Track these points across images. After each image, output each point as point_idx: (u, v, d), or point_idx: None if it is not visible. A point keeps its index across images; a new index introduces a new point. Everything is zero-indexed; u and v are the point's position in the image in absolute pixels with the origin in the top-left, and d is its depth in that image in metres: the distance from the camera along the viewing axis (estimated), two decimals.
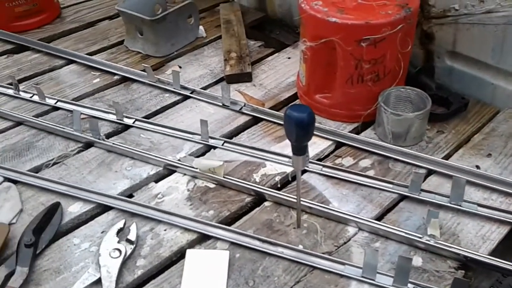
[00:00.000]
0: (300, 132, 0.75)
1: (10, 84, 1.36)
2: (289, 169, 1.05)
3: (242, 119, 1.22)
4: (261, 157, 1.09)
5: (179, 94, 1.32)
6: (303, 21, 1.11)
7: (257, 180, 1.03)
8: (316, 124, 1.15)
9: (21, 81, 1.38)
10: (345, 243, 0.88)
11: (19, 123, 1.22)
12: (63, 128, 1.17)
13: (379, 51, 1.05)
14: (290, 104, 0.98)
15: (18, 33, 1.61)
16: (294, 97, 1.30)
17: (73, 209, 0.97)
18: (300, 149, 0.79)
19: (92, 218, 0.96)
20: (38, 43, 1.56)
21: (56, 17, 1.74)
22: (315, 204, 0.94)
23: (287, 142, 1.12)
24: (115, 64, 1.43)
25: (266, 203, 0.98)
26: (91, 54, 1.52)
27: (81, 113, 1.17)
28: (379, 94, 1.10)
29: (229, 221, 0.95)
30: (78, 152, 1.13)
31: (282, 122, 1.16)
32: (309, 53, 1.12)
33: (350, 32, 1.02)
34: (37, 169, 1.08)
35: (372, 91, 1.11)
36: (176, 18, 1.49)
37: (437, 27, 1.22)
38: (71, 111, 1.25)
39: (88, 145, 1.15)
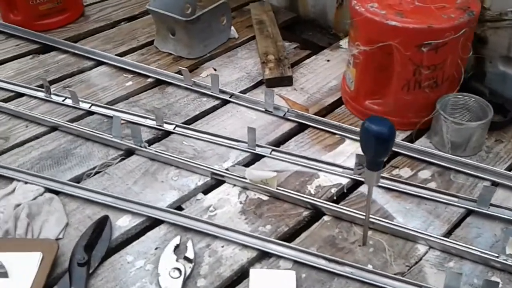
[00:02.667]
0: (379, 147, 0.70)
1: (40, 86, 1.31)
2: (344, 180, 1.00)
3: (287, 126, 1.17)
4: (313, 167, 1.04)
5: (218, 98, 1.27)
6: (356, 24, 1.06)
7: (312, 192, 0.98)
8: None
9: (49, 83, 1.32)
10: (416, 262, 0.84)
11: (53, 128, 1.17)
12: (102, 135, 1.12)
13: (440, 57, 1.00)
14: (368, 117, 0.92)
15: (42, 32, 1.55)
16: (339, 102, 1.25)
17: (122, 223, 0.92)
18: (376, 164, 0.74)
19: (143, 232, 0.91)
20: (65, 43, 1.50)
21: (79, 15, 1.68)
22: (380, 220, 0.89)
23: (338, 151, 1.08)
24: (147, 66, 1.38)
25: (325, 218, 0.93)
26: (120, 55, 1.46)
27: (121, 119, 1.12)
28: (436, 101, 1.05)
29: (287, 237, 0.90)
30: (120, 160, 1.07)
31: (330, 130, 1.14)
32: (361, 57, 1.07)
33: (411, 37, 0.97)
34: (78, 179, 1.03)
35: (429, 98, 1.06)
36: (209, 19, 1.44)
37: (491, 31, 1.17)
38: (107, 116, 1.20)
39: (129, 152, 1.10)
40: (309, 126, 1.16)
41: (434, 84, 1.04)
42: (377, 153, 0.71)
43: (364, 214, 0.89)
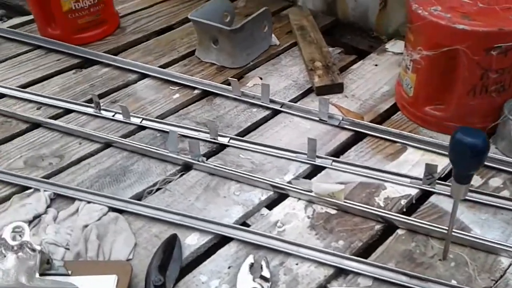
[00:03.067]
0: (473, 160, 0.67)
1: (87, 101, 1.30)
2: (413, 191, 0.97)
3: (344, 135, 1.14)
4: (378, 177, 1.01)
5: (268, 108, 1.25)
6: (418, 28, 1.03)
7: (381, 204, 0.96)
8: (429, 139, 1.08)
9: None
10: (501, 276, 0.81)
11: (107, 144, 1.15)
12: (158, 150, 1.10)
13: (509, 60, 0.96)
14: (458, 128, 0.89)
15: (81, 45, 1.54)
16: (394, 108, 1.22)
17: (191, 241, 0.90)
18: (467, 177, 0.71)
19: (213, 250, 0.89)
20: (106, 56, 1.49)
21: (116, 27, 1.68)
22: (459, 233, 0.86)
23: (402, 160, 1.05)
24: (193, 78, 1.36)
25: (399, 231, 0.90)
26: (163, 66, 1.45)
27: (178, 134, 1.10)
28: (502, 105, 1.02)
29: (362, 252, 0.88)
30: (179, 175, 1.05)
31: (390, 138, 1.11)
32: (424, 62, 1.04)
33: (480, 40, 0.94)
34: (138, 196, 1.02)
35: (495, 103, 1.02)
36: (252, 27, 1.42)
37: None
38: (159, 130, 1.18)
39: (186, 167, 1.08)
40: (367, 134, 1.13)
41: (501, 88, 1.01)
42: (470, 166, 0.68)
43: (442, 226, 0.86)
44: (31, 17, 1.74)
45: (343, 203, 0.94)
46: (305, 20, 1.59)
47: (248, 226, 0.94)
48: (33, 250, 0.77)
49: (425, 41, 1.02)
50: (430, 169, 0.94)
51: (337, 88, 1.27)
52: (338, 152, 1.11)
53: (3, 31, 1.63)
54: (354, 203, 0.94)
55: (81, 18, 1.55)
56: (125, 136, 1.18)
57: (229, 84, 1.33)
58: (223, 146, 1.14)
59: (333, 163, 1.05)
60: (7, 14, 1.82)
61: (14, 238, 0.77)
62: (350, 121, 1.16)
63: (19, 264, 0.76)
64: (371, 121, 1.17)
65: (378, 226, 0.91)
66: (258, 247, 0.88)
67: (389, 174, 1.01)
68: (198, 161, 1.06)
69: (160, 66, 1.44)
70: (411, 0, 1.03)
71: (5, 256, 0.76)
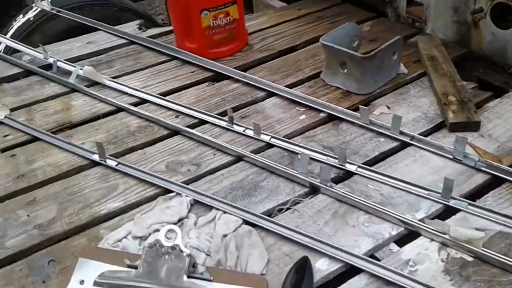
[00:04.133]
0: None
1: (220, 114, 1.38)
2: None
3: (480, 178, 1.10)
4: None
5: (397, 139, 1.24)
6: None
7: None
8: None
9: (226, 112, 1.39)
10: None
11: (239, 158, 1.22)
12: (287, 170, 1.14)
13: None
14: None
15: (213, 60, 1.65)
16: None
17: (321, 266, 0.92)
18: None
19: (342, 279, 0.90)
20: (236, 72, 1.57)
21: (245, 44, 1.77)
22: None
23: None
24: (319, 101, 1.39)
25: None
26: (289, 86, 1.50)
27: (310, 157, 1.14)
28: None
29: None
30: (307, 197, 1.09)
31: None
32: None
33: None
34: (269, 212, 1.06)
35: None
36: (383, 55, 1.42)
37: None
38: (287, 150, 1.23)
39: (314, 189, 1.11)
40: (506, 180, 1.08)
41: None
42: None
43: None
44: (167, 28, 1.91)
45: (481, 251, 0.90)
46: (436, 50, 1.55)
47: (377, 259, 0.94)
48: (183, 252, 0.84)
49: None
50: None
51: (473, 127, 1.23)
52: (473, 195, 1.07)
53: (143, 40, 1.79)
54: (493, 252, 0.90)
55: (217, 35, 1.66)
56: (255, 151, 1.24)
57: (355, 110, 1.34)
58: (350, 173, 1.15)
59: (469, 207, 1.02)
60: (145, 24, 2.00)
61: (167, 240, 0.85)
62: (487, 163, 1.12)
63: (170, 264, 0.84)
64: (510, 166, 1.11)
65: None
66: (389, 283, 0.88)
67: None
68: (327, 185, 1.09)
69: (286, 86, 1.50)
70: None
71: (159, 256, 0.84)
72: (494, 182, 1.09)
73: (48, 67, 1.62)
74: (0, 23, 2.18)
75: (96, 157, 1.20)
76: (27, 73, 1.61)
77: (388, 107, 1.37)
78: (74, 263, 0.90)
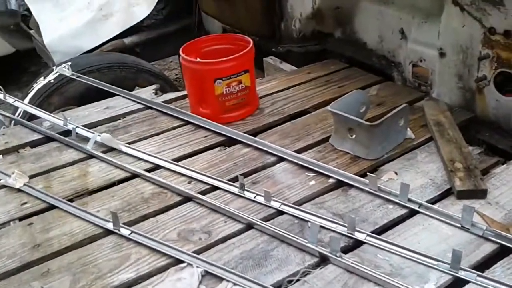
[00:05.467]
0: None
1: (231, 180, 1.42)
2: None
3: (488, 247, 1.10)
4: None
5: (405, 207, 1.25)
6: None
7: None
8: None
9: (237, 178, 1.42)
10: None
11: (249, 226, 1.24)
12: (297, 239, 1.16)
13: None
14: None
15: (225, 124, 1.70)
16: None
17: None
18: None
19: None
20: (247, 137, 1.62)
21: (256, 108, 1.83)
22: None
23: None
24: (329, 167, 1.43)
25: None
26: (298, 151, 1.54)
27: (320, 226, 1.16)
28: None
29: None
30: (317, 267, 1.10)
31: None
32: None
33: None
34: (279, 284, 1.07)
35: None
36: (390, 122, 1.46)
37: None
38: (297, 217, 1.25)
39: (324, 259, 1.12)
40: None
41: None
42: None
43: None
44: (181, 93, 1.99)
45: None
46: (442, 116, 1.59)
47: None
48: None
49: None
50: None
51: (480, 194, 1.25)
52: (482, 264, 1.07)
53: (159, 105, 1.87)
54: None
55: (229, 101, 1.73)
56: (266, 219, 1.26)
57: (363, 175, 1.37)
58: (359, 242, 1.16)
59: (478, 278, 1.02)
60: (161, 88, 2.09)
61: None
62: (495, 232, 1.12)
63: None
64: None
65: None
66: None
67: None
68: (336, 256, 1.10)
69: (296, 151, 1.54)
70: None
71: None
72: (502, 252, 1.09)
73: (67, 133, 1.69)
74: (20, 78, 2.29)
75: (110, 226, 1.24)
76: (47, 139, 1.69)
77: (396, 173, 1.39)
78: None
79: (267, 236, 1.20)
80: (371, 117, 1.62)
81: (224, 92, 1.70)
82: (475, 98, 1.61)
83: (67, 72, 2.07)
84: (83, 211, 1.30)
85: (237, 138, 1.64)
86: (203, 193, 1.38)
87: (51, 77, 2.10)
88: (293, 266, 1.11)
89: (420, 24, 1.73)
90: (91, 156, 1.57)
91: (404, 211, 1.25)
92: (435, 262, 1.07)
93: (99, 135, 1.62)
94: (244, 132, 1.65)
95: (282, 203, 1.30)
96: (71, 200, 1.37)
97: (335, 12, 2.08)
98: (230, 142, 1.64)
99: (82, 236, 1.23)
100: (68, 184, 1.45)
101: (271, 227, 1.21)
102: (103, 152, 1.58)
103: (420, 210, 1.23)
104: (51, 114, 1.80)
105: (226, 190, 1.38)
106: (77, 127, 1.68)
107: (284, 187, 1.39)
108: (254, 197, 1.34)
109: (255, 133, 1.68)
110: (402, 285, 1.01)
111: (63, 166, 1.54)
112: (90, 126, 1.73)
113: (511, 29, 1.40)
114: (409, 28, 1.77)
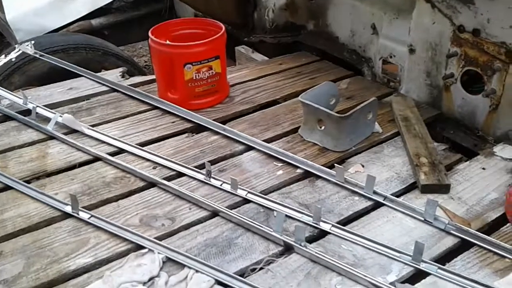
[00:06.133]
0: None
1: (197, 166, 1.39)
2: None
3: (450, 241, 1.12)
4: None
5: (370, 199, 1.26)
6: None
7: None
8: None
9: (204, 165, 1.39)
10: None
11: (214, 213, 1.22)
12: (262, 227, 1.15)
13: None
14: None
15: (193, 111, 1.67)
16: (503, 219, 1.18)
17: None
18: None
19: None
20: (216, 125, 1.60)
21: (226, 96, 1.80)
22: None
23: (511, 279, 1.01)
24: (297, 157, 1.42)
25: None
26: (267, 140, 1.52)
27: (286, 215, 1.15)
28: None
29: None
30: (281, 256, 1.09)
31: (500, 252, 1.07)
32: None
33: None
34: (242, 272, 1.06)
35: None
36: (359, 114, 1.47)
37: None
38: (263, 206, 1.23)
39: (288, 248, 1.11)
40: (475, 244, 1.10)
41: None
42: None
43: None
44: (149, 77, 1.94)
45: None
46: (409, 111, 1.61)
47: None
48: None
49: None
50: None
51: (444, 189, 1.27)
52: (443, 258, 1.09)
53: (125, 88, 1.81)
54: None
55: (199, 87, 1.69)
56: (231, 207, 1.24)
57: (331, 167, 1.37)
58: (324, 232, 1.16)
59: (438, 270, 1.03)
60: (129, 71, 2.03)
61: None
62: (457, 226, 1.14)
63: None
64: (478, 229, 1.14)
65: None
66: None
67: None
68: (301, 245, 1.09)
69: (264, 140, 1.52)
70: None
71: None
72: (463, 246, 1.11)
73: (27, 112, 1.61)
74: None
75: (68, 209, 1.19)
76: (5, 118, 1.60)
77: (363, 166, 1.40)
78: None
79: (232, 224, 1.18)
80: (341, 110, 1.62)
81: (194, 78, 1.66)
82: (442, 95, 1.64)
83: (30, 51, 1.98)
84: (40, 193, 1.25)
85: (205, 125, 1.60)
86: (168, 179, 1.35)
87: (12, 55, 2.01)
88: (257, 255, 1.09)
89: (391, 20, 1.75)
90: (51, 137, 1.51)
91: (369, 203, 1.26)
92: (398, 254, 1.08)
93: (60, 116, 1.55)
94: (213, 120, 1.62)
95: (249, 192, 1.28)
96: (28, 182, 1.31)
97: (308, 4, 2.07)
98: (198, 129, 1.61)
99: (38, 219, 1.18)
100: (25, 165, 1.38)
101: (236, 215, 1.19)
102: (65, 133, 1.52)
103: (384, 202, 1.24)
104: (10, 92, 1.71)
105: (192, 177, 1.35)
106: (37, 106, 1.60)
107: (252, 175, 1.37)
108: (221, 185, 1.32)
109: (224, 121, 1.65)
110: (365, 276, 1.01)
111: (21, 146, 1.47)
112: (52, 106, 1.66)
113: (480, 28, 1.43)
114: (381, 24, 1.79)
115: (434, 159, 1.36)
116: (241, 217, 1.18)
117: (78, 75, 1.89)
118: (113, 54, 2.20)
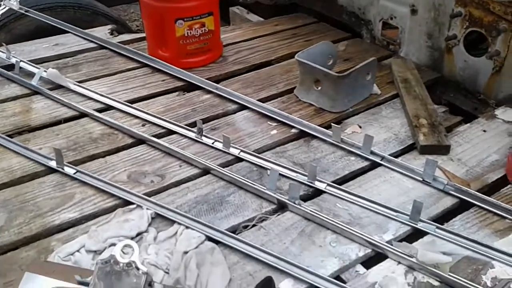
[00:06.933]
0: None
1: (188, 125, 1.34)
2: None
3: (449, 201, 1.09)
4: (486, 254, 0.95)
5: (367, 159, 1.22)
6: None
7: (488, 284, 0.89)
8: None
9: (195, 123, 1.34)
10: None
11: (206, 171, 1.18)
12: (255, 185, 1.10)
13: None
14: None
15: (186, 69, 1.61)
16: (503, 180, 1.15)
17: (285, 287, 0.88)
18: None
19: None
20: (208, 83, 1.54)
21: (219, 56, 1.74)
22: None
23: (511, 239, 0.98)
24: (292, 117, 1.37)
25: None
26: (261, 100, 1.47)
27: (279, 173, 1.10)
28: None
29: None
30: (274, 214, 1.05)
31: (500, 213, 1.04)
32: None
33: None
34: (234, 229, 1.02)
35: None
36: (357, 75, 1.41)
37: None
38: (255, 165, 1.19)
39: (282, 206, 1.07)
40: (474, 204, 1.07)
41: None
42: None
43: None
44: (140, 35, 1.86)
45: (448, 276, 0.88)
46: (409, 73, 1.56)
47: (343, 281, 0.91)
48: (139, 270, 0.78)
49: None
50: None
51: (443, 150, 1.23)
52: (441, 218, 1.06)
53: (114, 45, 1.74)
54: (460, 278, 0.89)
55: (191, 45, 1.62)
56: (223, 165, 1.20)
57: (327, 127, 1.32)
58: (319, 191, 1.12)
59: (437, 230, 1.00)
60: (118, 29, 1.94)
61: (123, 256, 0.79)
62: (456, 187, 1.11)
63: (124, 282, 0.78)
64: (478, 190, 1.11)
65: None
66: None
67: (498, 253, 0.95)
68: (295, 203, 1.05)
69: (259, 100, 1.47)
70: None
71: (113, 273, 0.78)
72: (462, 206, 1.08)
73: (11, 67, 1.54)
74: None
75: (53, 164, 1.13)
76: None
77: (360, 127, 1.36)
78: (20, 277, 0.83)
79: (224, 182, 1.14)
80: (338, 71, 1.56)
81: (186, 35, 1.59)
82: (443, 57, 1.58)
83: (15, 6, 1.88)
84: (23, 147, 1.19)
85: (197, 83, 1.55)
86: (158, 136, 1.29)
87: None
88: (249, 212, 1.05)
89: None
90: (35, 92, 1.44)
91: (366, 163, 1.22)
92: (395, 213, 1.04)
93: (45, 71, 1.48)
94: (206, 79, 1.56)
95: (242, 150, 1.23)
96: (10, 136, 1.25)
97: None
98: (189, 87, 1.55)
99: (21, 173, 1.13)
100: (8, 120, 1.32)
101: (228, 172, 1.14)
102: (50, 89, 1.45)
103: (382, 162, 1.20)
104: None
105: (182, 135, 1.30)
106: (21, 61, 1.53)
107: (245, 134, 1.32)
108: (213, 143, 1.27)
109: (217, 80, 1.59)
110: (360, 234, 0.98)
111: (4, 101, 1.41)
112: (37, 62, 1.59)
113: None
114: None
115: (434, 120, 1.31)
116: (233, 175, 1.13)
117: (66, 32, 1.81)
118: (102, 14, 2.11)
